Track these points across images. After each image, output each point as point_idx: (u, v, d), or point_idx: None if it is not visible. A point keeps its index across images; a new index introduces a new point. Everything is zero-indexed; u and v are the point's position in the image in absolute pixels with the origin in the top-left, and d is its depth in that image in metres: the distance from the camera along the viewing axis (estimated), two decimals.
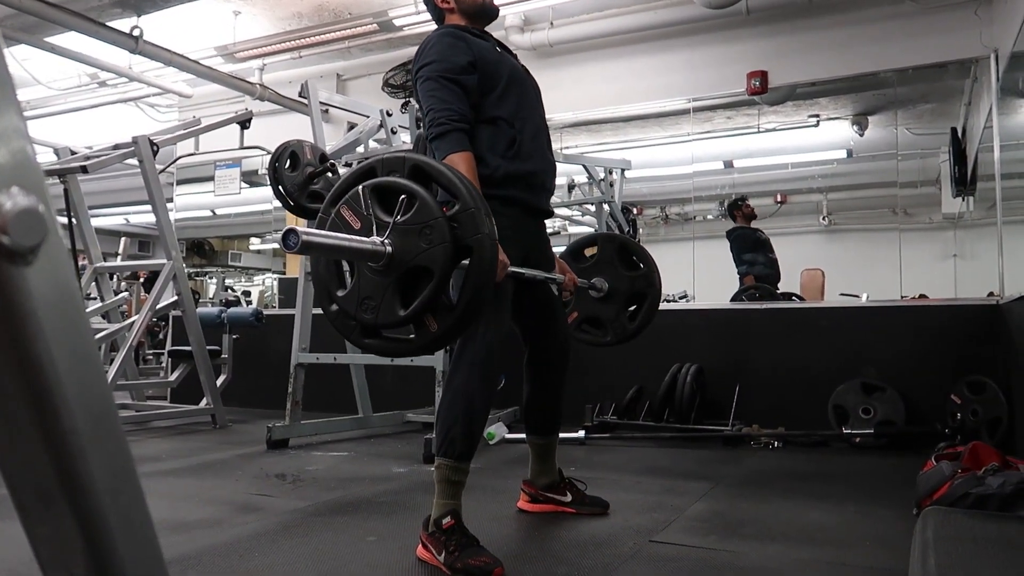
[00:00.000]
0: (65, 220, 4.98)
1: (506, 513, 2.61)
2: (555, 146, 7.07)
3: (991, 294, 4.72)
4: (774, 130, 6.58)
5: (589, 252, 2.97)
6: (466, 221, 1.62)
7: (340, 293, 1.75)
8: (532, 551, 2.19)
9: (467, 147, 2.15)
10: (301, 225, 4.74)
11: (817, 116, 6.40)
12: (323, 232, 1.55)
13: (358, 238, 1.60)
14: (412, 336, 1.71)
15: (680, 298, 6.35)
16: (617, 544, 2.24)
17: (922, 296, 5.39)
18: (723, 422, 4.35)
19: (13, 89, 0.40)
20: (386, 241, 1.61)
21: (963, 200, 5.98)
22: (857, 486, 3.11)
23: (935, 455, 2.63)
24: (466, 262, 1.65)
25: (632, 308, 2.94)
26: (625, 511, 2.63)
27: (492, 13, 2.44)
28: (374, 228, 1.63)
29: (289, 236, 1.44)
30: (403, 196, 1.63)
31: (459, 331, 1.69)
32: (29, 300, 0.39)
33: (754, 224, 6.12)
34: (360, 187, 1.66)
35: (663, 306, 5.89)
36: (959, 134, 5.66)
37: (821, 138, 6.67)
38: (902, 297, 5.49)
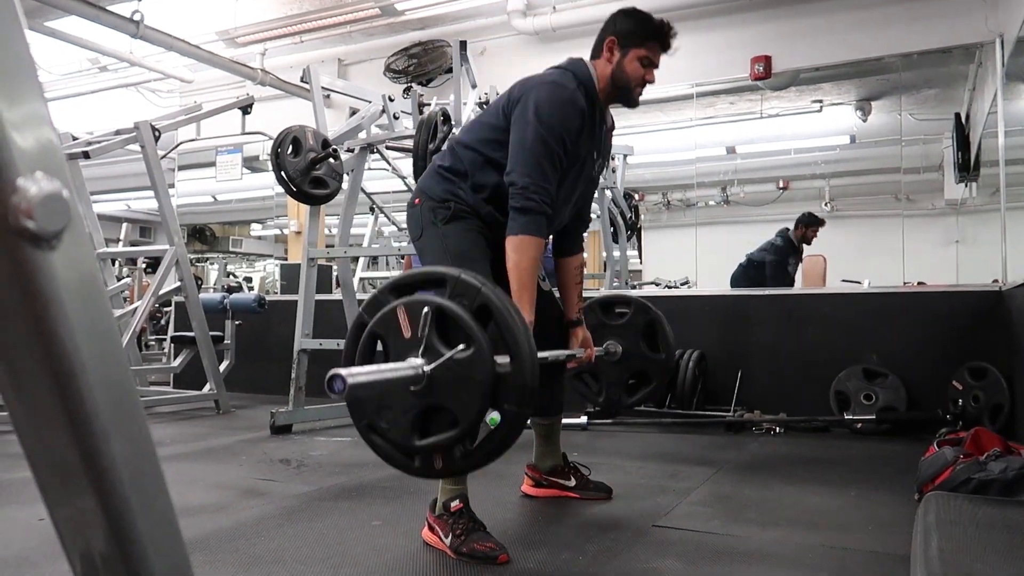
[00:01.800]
0: None
1: (510, 498, 2.62)
2: None
3: (995, 280, 4.71)
4: (777, 115, 6.56)
5: (620, 310, 2.93)
6: (514, 390, 1.55)
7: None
8: (536, 536, 2.21)
9: (544, 234, 2.16)
10: (303, 211, 4.70)
11: (820, 101, 6.37)
12: (366, 370, 1.43)
13: (402, 367, 1.53)
14: (417, 462, 1.64)
15: (682, 284, 6.36)
16: (621, 529, 2.25)
17: (920, 284, 5.40)
18: (725, 408, 4.36)
19: (36, 74, 0.40)
20: (427, 369, 1.54)
21: (966, 186, 5.96)
22: (858, 471, 3.12)
23: (937, 441, 2.64)
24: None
25: (632, 382, 2.92)
26: (628, 496, 2.65)
27: (630, 104, 2.39)
28: (422, 347, 1.56)
29: (335, 381, 1.33)
30: (464, 335, 1.55)
31: (460, 474, 1.64)
32: (53, 284, 0.40)
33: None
34: (425, 308, 1.57)
35: (664, 292, 5.94)
36: (963, 120, 5.64)
37: (824, 124, 6.65)
38: (904, 283, 5.49)
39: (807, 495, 2.68)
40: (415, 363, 1.54)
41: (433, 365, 1.54)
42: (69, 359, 0.41)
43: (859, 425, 4.04)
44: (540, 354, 2.26)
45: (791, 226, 5.92)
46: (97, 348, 0.43)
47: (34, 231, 0.38)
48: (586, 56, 2.37)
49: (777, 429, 4.10)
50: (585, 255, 3.16)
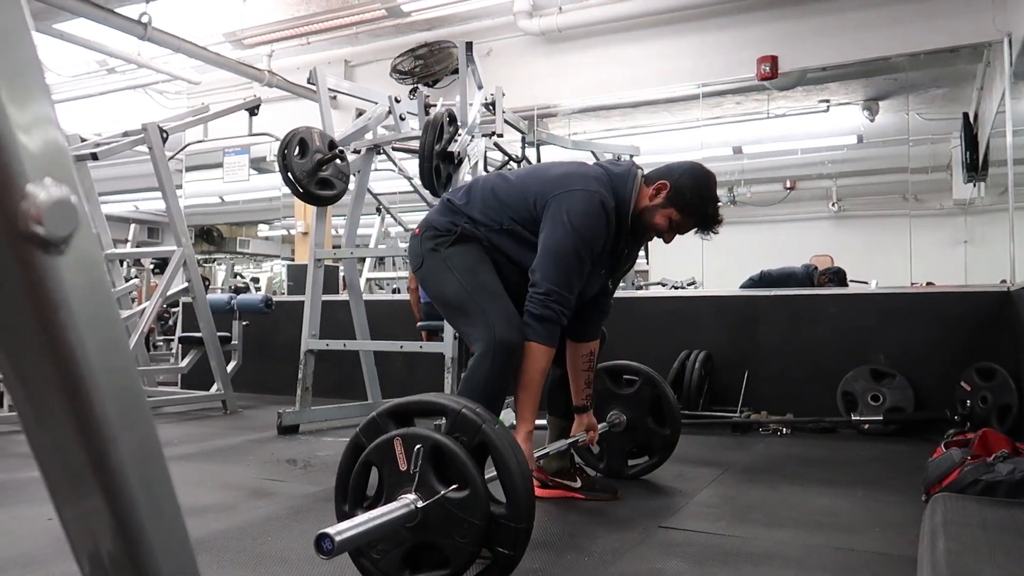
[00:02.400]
0: None
1: None
2: (562, 132, 7.05)
3: (1003, 281, 4.69)
4: (784, 115, 6.55)
5: (628, 378, 2.93)
6: (506, 533, 1.53)
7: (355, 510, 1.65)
8: (541, 536, 2.21)
9: (556, 344, 2.16)
10: (310, 212, 4.70)
11: (827, 101, 6.36)
12: (354, 523, 1.42)
13: (393, 510, 1.51)
14: None
15: (688, 285, 6.35)
16: (626, 529, 2.25)
17: (929, 284, 5.37)
18: (731, 408, 4.35)
19: (43, 77, 0.40)
20: (421, 506, 1.53)
21: (974, 186, 5.94)
22: (865, 472, 3.12)
23: (945, 442, 2.64)
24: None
25: (634, 449, 2.93)
26: (634, 497, 2.65)
27: (635, 238, 2.37)
28: (416, 483, 1.55)
29: (323, 541, 1.34)
30: (460, 475, 1.54)
31: None
32: (62, 289, 0.40)
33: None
34: (420, 444, 1.56)
35: (671, 292, 5.93)
36: (971, 119, 5.62)
37: (831, 124, 6.63)
38: (912, 284, 5.47)
39: (814, 496, 2.68)
40: (407, 499, 1.54)
41: (427, 503, 1.53)
42: (78, 363, 0.42)
43: (866, 426, 4.03)
44: (541, 450, 2.28)
45: (817, 267, 5.81)
46: (105, 352, 0.43)
47: (43, 236, 0.38)
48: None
49: (784, 430, 4.09)
50: None
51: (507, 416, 4.19)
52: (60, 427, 0.44)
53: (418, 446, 1.56)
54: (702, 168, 2.31)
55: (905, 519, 2.28)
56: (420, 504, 1.53)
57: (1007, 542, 1.74)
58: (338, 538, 1.34)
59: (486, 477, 1.58)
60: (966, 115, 5.61)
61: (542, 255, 2.15)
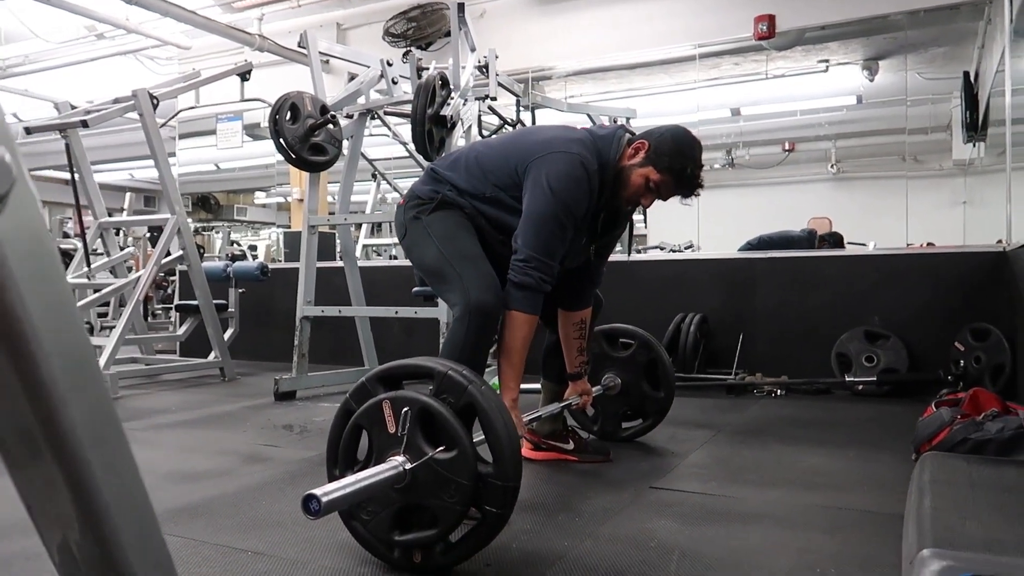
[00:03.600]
0: (68, 176, 4.97)
1: None
2: (559, 95, 6.97)
3: (999, 241, 4.68)
4: (782, 76, 6.46)
5: (624, 341, 2.92)
6: (494, 491, 1.54)
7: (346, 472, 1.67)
8: (533, 497, 2.23)
9: (538, 312, 2.13)
10: (305, 179, 4.67)
11: (826, 61, 6.27)
12: (341, 484, 1.43)
13: (381, 471, 1.52)
14: (396, 554, 1.62)
15: (686, 248, 6.33)
16: (618, 490, 2.27)
17: (930, 245, 5.36)
18: (727, 371, 4.37)
19: None
20: (409, 468, 1.53)
21: (974, 146, 5.89)
22: (858, 433, 3.14)
23: (935, 402, 2.65)
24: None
25: (628, 412, 2.93)
26: (626, 458, 2.67)
27: (612, 204, 2.30)
28: (404, 445, 1.56)
29: (310, 502, 1.34)
30: (447, 436, 1.55)
31: (440, 570, 1.61)
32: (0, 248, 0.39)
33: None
34: (407, 407, 1.56)
35: (668, 256, 5.91)
36: (972, 78, 5.55)
37: (830, 84, 6.55)
38: (907, 245, 5.45)
39: (805, 456, 2.70)
40: (396, 462, 1.55)
41: (415, 465, 1.54)
42: (20, 323, 0.41)
43: (860, 387, 4.05)
44: (532, 414, 2.28)
45: (816, 230, 5.79)
46: (50, 313, 0.43)
47: None
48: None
49: (778, 391, 4.11)
50: None
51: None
52: (7, 390, 0.43)
53: (405, 408, 1.57)
54: (685, 131, 2.27)
55: (895, 478, 2.30)
56: (408, 466, 1.54)
57: (992, 499, 1.76)
58: (324, 499, 1.36)
59: (475, 440, 1.59)
60: (966, 74, 5.53)
61: (523, 221, 2.13)
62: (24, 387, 0.43)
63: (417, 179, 2.39)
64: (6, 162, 0.39)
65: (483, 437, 1.60)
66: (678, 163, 2.19)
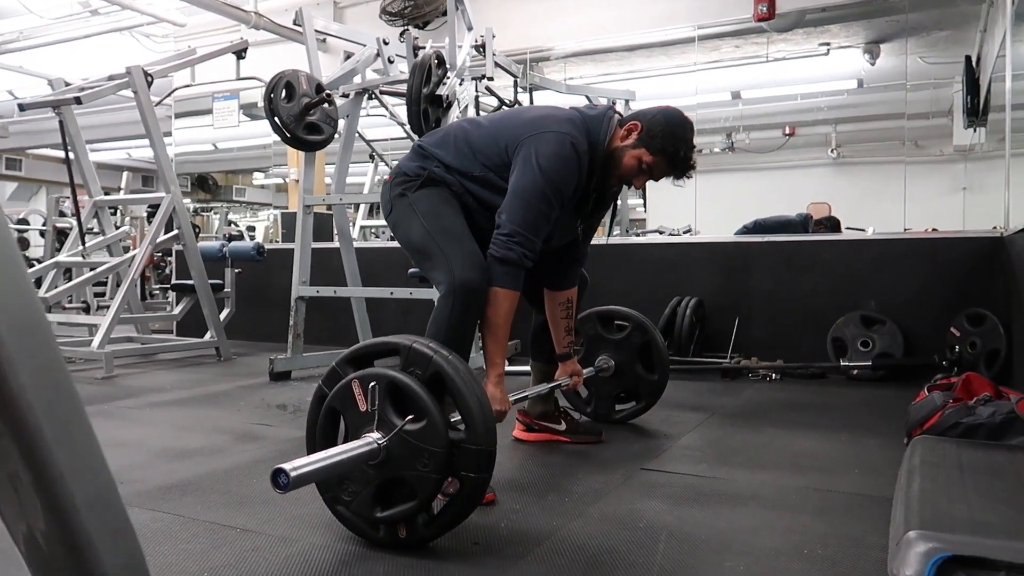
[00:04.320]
0: (63, 154, 4.94)
1: (500, 442, 2.62)
2: (558, 76, 6.92)
3: (995, 227, 4.66)
4: (783, 59, 6.42)
5: (619, 323, 2.92)
6: (468, 456, 1.55)
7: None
8: (524, 478, 2.23)
9: (520, 287, 2.11)
10: (301, 159, 4.64)
11: (827, 44, 6.22)
12: (310, 459, 1.44)
13: (353, 447, 1.53)
14: (382, 532, 1.63)
15: (684, 232, 6.31)
16: (608, 471, 2.27)
17: (933, 230, 5.34)
18: (722, 355, 4.37)
19: None
20: (383, 443, 1.54)
21: (975, 132, 5.86)
22: (851, 417, 3.14)
23: (928, 386, 2.64)
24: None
25: (622, 394, 2.93)
26: (619, 440, 2.67)
27: (604, 185, 2.30)
28: (376, 421, 1.57)
29: (279, 476, 1.35)
30: (416, 406, 1.56)
31: (426, 542, 1.62)
32: None
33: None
34: (374, 383, 1.58)
35: (663, 239, 5.89)
36: (973, 63, 5.51)
37: (831, 68, 6.51)
38: (905, 230, 5.44)
39: (797, 439, 2.70)
40: (370, 438, 1.56)
41: (387, 438, 1.55)
42: None
43: (855, 371, 4.05)
44: (520, 393, 2.28)
45: (805, 209, 5.77)
46: None
47: None
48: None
49: (773, 375, 4.11)
50: None
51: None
52: None
53: (372, 383, 1.59)
54: (677, 111, 2.25)
55: (886, 461, 2.30)
56: (381, 441, 1.55)
57: (981, 482, 1.76)
58: (293, 473, 1.37)
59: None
60: (968, 58, 5.49)
61: (509, 197, 2.11)
62: None
63: (404, 156, 2.37)
64: None
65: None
66: (671, 145, 2.17)
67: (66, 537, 0.48)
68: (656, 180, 2.25)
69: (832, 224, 5.50)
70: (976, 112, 5.46)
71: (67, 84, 5.05)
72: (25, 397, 0.44)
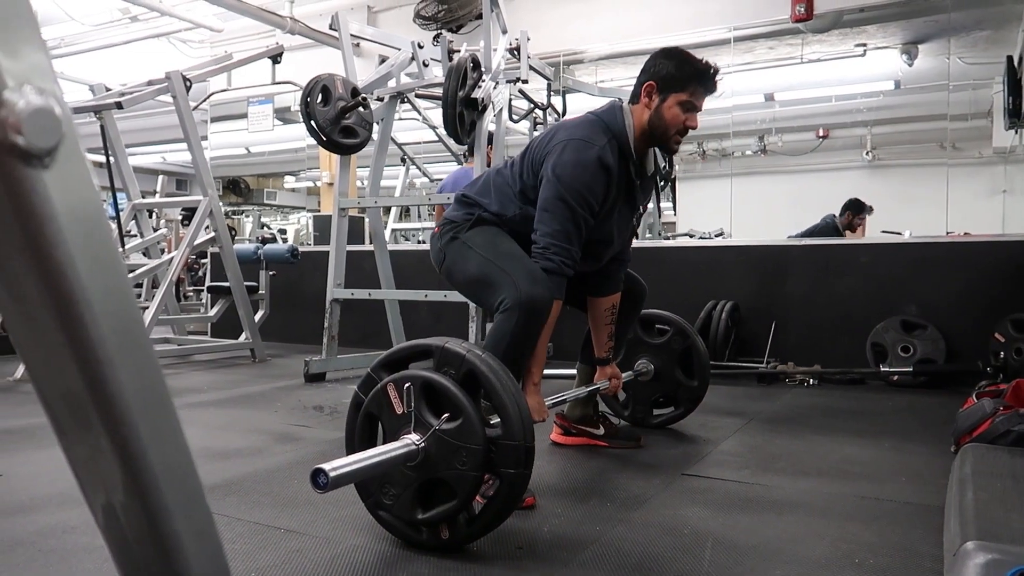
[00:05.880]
0: (103, 158, 5.03)
1: (539, 446, 2.61)
2: (590, 79, 6.90)
3: None
4: (818, 60, 6.35)
5: (660, 327, 2.90)
6: (506, 452, 1.55)
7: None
8: (563, 482, 2.22)
9: (562, 295, 2.12)
10: (335, 162, 4.67)
11: (864, 45, 6.14)
12: (349, 459, 1.45)
13: (392, 448, 1.53)
14: (424, 534, 1.63)
15: (716, 235, 6.26)
16: (649, 476, 2.25)
17: (967, 234, 5.24)
18: (758, 359, 4.32)
19: None
20: (421, 444, 1.55)
21: (1016, 133, 5.74)
22: (893, 423, 3.08)
23: (976, 392, 2.58)
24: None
25: (661, 399, 2.91)
26: (657, 445, 2.64)
27: (668, 150, 2.33)
28: (413, 423, 1.57)
29: (318, 476, 1.36)
30: (451, 405, 1.57)
31: (469, 541, 1.63)
32: (48, 204, 0.38)
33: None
34: (408, 384, 1.58)
35: (697, 242, 5.85)
36: (1015, 63, 5.39)
37: (867, 69, 6.42)
38: (947, 233, 5.34)
39: (839, 446, 2.65)
40: (407, 440, 1.56)
41: (424, 438, 1.55)
42: (69, 282, 0.40)
43: (895, 377, 3.97)
44: (557, 397, 2.28)
45: (837, 212, 5.74)
46: (98, 272, 0.42)
47: (24, 147, 0.36)
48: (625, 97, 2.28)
49: (811, 381, 4.05)
50: None
51: None
52: (55, 350, 0.42)
53: (407, 385, 1.59)
54: (662, 49, 2.26)
55: (933, 469, 2.25)
56: (419, 441, 1.55)
57: None
58: (332, 473, 1.37)
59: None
60: (1010, 58, 5.37)
61: (538, 212, 2.15)
62: (72, 349, 0.42)
63: (448, 208, 2.41)
64: (55, 114, 0.38)
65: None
66: (687, 69, 2.20)
67: (155, 535, 0.48)
68: (700, 109, 2.25)
69: (852, 204, 5.49)
70: (1018, 113, 5.35)
71: (107, 89, 5.14)
72: (124, 397, 0.44)
